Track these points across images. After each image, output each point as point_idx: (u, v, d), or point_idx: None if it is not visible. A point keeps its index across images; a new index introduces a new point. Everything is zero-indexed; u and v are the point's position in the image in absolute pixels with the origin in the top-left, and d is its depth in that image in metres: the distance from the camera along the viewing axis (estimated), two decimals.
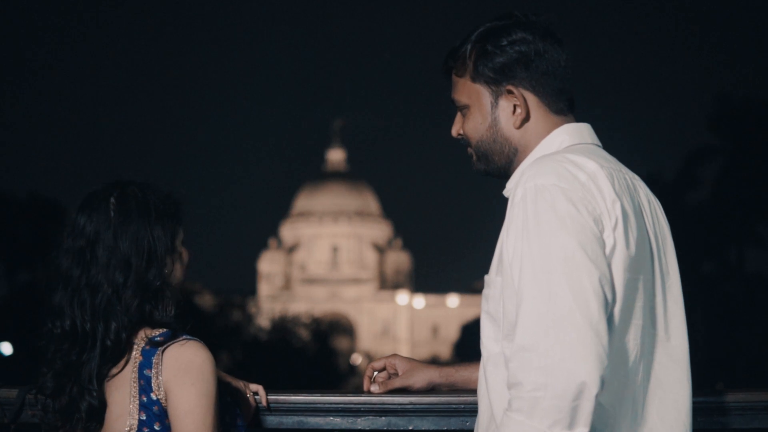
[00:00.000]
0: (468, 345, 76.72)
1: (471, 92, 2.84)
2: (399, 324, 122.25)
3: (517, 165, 2.82)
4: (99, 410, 2.89)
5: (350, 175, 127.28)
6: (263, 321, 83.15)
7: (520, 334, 2.53)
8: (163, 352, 2.87)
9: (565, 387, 2.46)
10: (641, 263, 2.67)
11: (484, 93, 2.82)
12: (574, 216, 2.57)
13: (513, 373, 2.53)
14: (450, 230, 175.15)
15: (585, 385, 2.46)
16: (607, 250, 2.60)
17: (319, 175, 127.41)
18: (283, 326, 79.65)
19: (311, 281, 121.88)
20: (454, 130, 2.91)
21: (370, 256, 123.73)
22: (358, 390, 3.31)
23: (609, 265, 2.59)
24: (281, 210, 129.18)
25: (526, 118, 2.78)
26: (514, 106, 2.78)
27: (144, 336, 2.91)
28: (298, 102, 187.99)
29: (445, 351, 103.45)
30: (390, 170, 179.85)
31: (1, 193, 45.81)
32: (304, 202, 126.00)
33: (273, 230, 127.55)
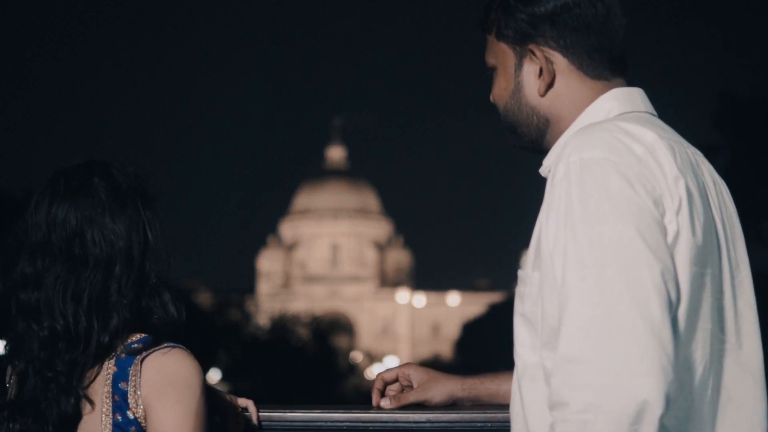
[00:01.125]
0: (469, 344, 76.50)
1: (497, 52, 2.44)
2: (399, 322, 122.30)
3: (554, 138, 2.40)
4: (72, 420, 2.46)
5: (350, 173, 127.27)
6: (262, 320, 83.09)
7: (565, 342, 2.10)
8: (142, 361, 2.45)
9: (623, 408, 2.03)
10: (708, 255, 2.23)
11: (508, 53, 2.42)
12: (629, 196, 2.13)
13: (557, 390, 2.10)
14: (451, 228, 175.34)
15: (647, 405, 2.02)
16: (669, 239, 2.16)
17: (320, 173, 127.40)
18: (283, 325, 79.58)
19: (311, 280, 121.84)
20: (490, 96, 2.49)
21: (371, 255, 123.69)
22: (366, 403, 2.84)
23: (672, 257, 2.15)
24: (281, 208, 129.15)
25: (552, 84, 2.37)
26: (540, 69, 2.37)
27: (122, 343, 2.49)
28: (298, 100, 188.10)
29: (446, 349, 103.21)
30: (390, 168, 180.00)
31: (0, 192, 45.81)
32: (304, 199, 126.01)
33: (273, 228, 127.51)
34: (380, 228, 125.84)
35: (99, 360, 2.47)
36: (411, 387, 2.85)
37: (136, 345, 2.47)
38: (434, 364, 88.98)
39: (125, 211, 2.52)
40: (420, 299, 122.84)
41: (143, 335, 2.49)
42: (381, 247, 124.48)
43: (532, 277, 2.27)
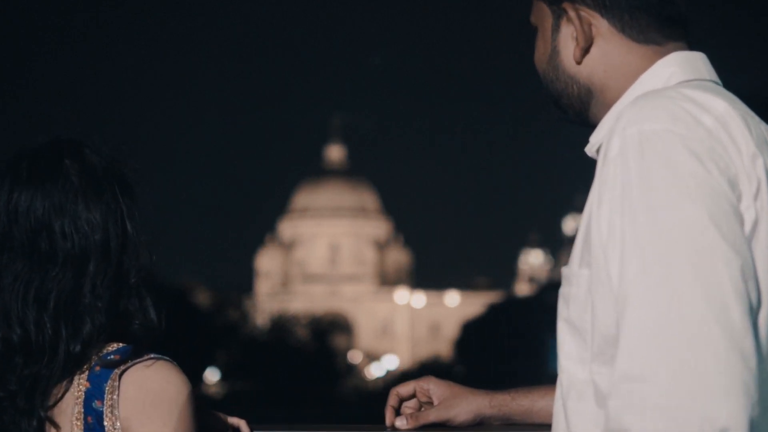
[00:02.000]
0: (470, 343, 76.44)
1: (536, 10, 2.11)
2: (399, 322, 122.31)
3: (600, 111, 2.04)
4: None
5: (349, 172, 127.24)
6: (261, 319, 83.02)
7: (625, 356, 1.73)
8: (120, 376, 2.07)
9: None
10: None
11: (546, 12, 2.08)
12: (699, 175, 1.77)
13: (616, 414, 1.73)
14: (450, 226, 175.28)
15: None
16: (747, 228, 1.80)
17: (319, 172, 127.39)
18: (282, 325, 79.52)
19: (310, 279, 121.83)
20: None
21: (370, 254, 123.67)
22: (378, 422, 2.50)
23: (750, 250, 1.79)
24: (280, 207, 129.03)
25: (589, 49, 2.02)
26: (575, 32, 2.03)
27: (96, 354, 2.10)
28: (297, 98, 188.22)
29: (445, 349, 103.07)
30: (389, 167, 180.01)
31: None
32: (303, 199, 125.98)
33: (271, 227, 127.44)
34: (380, 227, 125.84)
35: (68, 374, 2.07)
36: (431, 404, 2.49)
37: (113, 356, 2.09)
38: (434, 363, 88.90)
39: (102, 197, 2.14)
40: (420, 298, 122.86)
41: (122, 345, 2.11)
42: (380, 247, 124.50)
43: (580, 276, 1.89)
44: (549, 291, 70.24)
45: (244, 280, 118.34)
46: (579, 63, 2.02)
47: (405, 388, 2.50)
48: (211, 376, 74.74)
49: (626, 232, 1.77)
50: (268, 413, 51.48)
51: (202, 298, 72.01)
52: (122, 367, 2.07)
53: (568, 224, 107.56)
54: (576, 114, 2.06)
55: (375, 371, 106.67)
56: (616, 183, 1.80)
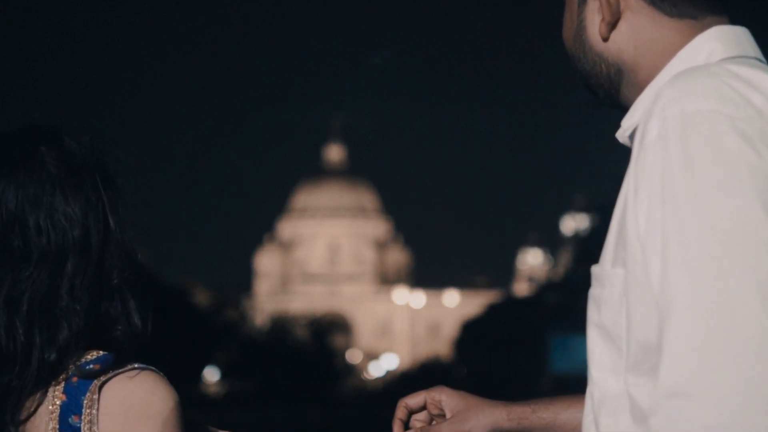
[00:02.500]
0: (469, 343, 76.31)
1: None
2: (398, 322, 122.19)
3: (632, 93, 1.82)
4: None
5: (349, 172, 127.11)
6: (260, 319, 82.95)
7: (670, 368, 1.53)
8: (100, 388, 1.87)
9: None
10: None
11: None
12: (751, 161, 1.57)
13: None
14: (449, 226, 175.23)
15: None
16: None
17: (318, 172, 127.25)
18: (281, 325, 79.45)
19: (309, 279, 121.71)
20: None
21: (369, 254, 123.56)
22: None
23: None
24: (279, 207, 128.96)
25: (616, 24, 1.82)
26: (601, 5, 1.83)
27: (74, 363, 1.88)
28: (296, 98, 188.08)
29: (445, 349, 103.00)
30: (389, 167, 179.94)
31: None
32: (302, 198, 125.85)
33: (271, 227, 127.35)
34: (379, 227, 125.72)
35: (42, 385, 1.86)
36: (443, 416, 2.26)
37: (92, 366, 1.87)
38: (433, 363, 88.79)
39: (81, 189, 1.92)
40: (419, 298, 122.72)
41: (102, 353, 1.90)
42: (380, 246, 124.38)
43: (613, 276, 1.68)
44: (548, 291, 70.18)
45: (244, 280, 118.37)
46: (606, 39, 1.82)
47: (414, 400, 2.25)
48: (211, 375, 74.69)
49: (668, 225, 1.57)
50: (267, 413, 51.39)
51: (202, 297, 71.90)
52: (102, 378, 1.87)
53: (567, 224, 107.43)
54: (606, 95, 1.85)
55: (374, 371, 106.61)
56: (656, 170, 1.60)
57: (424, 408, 2.27)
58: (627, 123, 1.80)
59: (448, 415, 2.23)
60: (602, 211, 61.00)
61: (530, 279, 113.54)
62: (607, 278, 1.70)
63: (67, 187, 1.91)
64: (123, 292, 1.93)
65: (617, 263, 1.68)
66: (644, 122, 1.65)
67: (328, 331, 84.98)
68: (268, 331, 79.05)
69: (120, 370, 1.88)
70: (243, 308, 78.55)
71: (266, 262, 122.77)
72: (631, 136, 1.76)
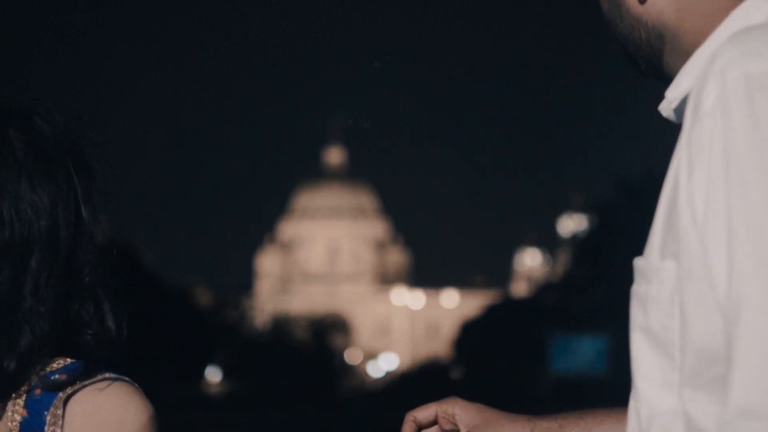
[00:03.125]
0: (469, 344, 76.21)
1: None
2: (398, 322, 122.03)
3: (676, 60, 1.57)
4: None
5: (349, 173, 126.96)
6: (261, 319, 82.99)
7: (744, 383, 1.29)
8: (66, 402, 1.65)
9: None
10: None
11: None
12: None
13: None
14: (449, 226, 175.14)
15: None
16: None
17: (318, 173, 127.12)
18: (281, 325, 79.47)
19: (309, 279, 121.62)
20: None
21: (369, 254, 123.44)
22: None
23: None
24: (280, 208, 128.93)
25: None
26: None
27: (37, 373, 1.66)
28: (296, 99, 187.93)
29: (444, 349, 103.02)
30: (389, 168, 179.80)
31: None
32: (302, 199, 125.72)
33: (271, 228, 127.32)
34: (379, 227, 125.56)
35: (0, 397, 1.65)
36: (457, 431, 2.00)
37: (58, 376, 1.64)
38: (432, 364, 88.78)
39: (52, 176, 1.69)
40: (419, 298, 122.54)
41: (70, 361, 1.67)
42: (379, 247, 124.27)
43: (663, 270, 1.42)
44: (546, 291, 70.06)
45: (244, 281, 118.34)
46: (644, 2, 1.57)
47: (423, 413, 1.97)
48: (213, 376, 74.71)
49: (734, 208, 1.32)
50: (267, 413, 51.35)
51: (203, 298, 71.90)
52: (69, 390, 1.65)
53: (565, 224, 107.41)
54: (647, 64, 1.61)
55: (374, 372, 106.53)
56: (716, 143, 1.35)
57: (434, 422, 1.99)
58: (673, 93, 1.53)
59: (462, 430, 1.98)
60: (600, 211, 60.97)
61: (528, 279, 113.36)
62: (654, 273, 1.43)
63: (35, 173, 1.68)
64: (96, 292, 1.70)
65: (667, 255, 1.42)
66: (698, 89, 1.40)
67: (328, 332, 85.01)
68: (268, 331, 79.08)
69: (89, 381, 1.66)
70: (243, 308, 78.54)
71: (267, 262, 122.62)
72: (678, 109, 1.54)
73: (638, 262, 1.45)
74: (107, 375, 1.67)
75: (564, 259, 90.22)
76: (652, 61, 1.60)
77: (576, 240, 75.64)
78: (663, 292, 1.42)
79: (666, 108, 1.55)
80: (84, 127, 1.76)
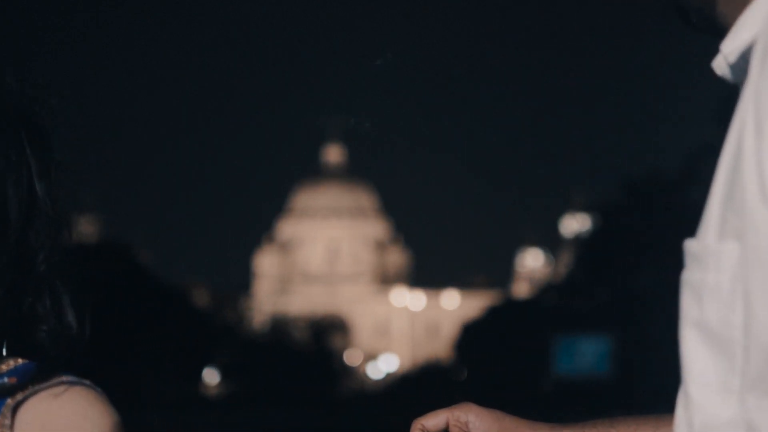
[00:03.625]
0: (470, 345, 76.09)
1: None
2: (398, 323, 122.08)
3: (734, 7, 1.29)
4: None
5: (348, 173, 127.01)
6: (260, 320, 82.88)
7: None
8: (15, 409, 1.45)
9: None
10: None
11: None
12: None
13: None
14: (449, 226, 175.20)
15: None
16: None
17: (317, 173, 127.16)
18: (280, 326, 79.42)
19: (309, 279, 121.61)
20: None
21: (368, 254, 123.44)
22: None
23: None
24: (279, 207, 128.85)
25: None
26: None
27: None
28: (296, 98, 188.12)
29: (445, 350, 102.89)
30: (389, 167, 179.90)
31: None
32: (301, 199, 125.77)
33: (270, 228, 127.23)
34: (379, 227, 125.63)
35: None
36: None
37: (6, 380, 1.46)
38: (433, 365, 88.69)
39: (2, 143, 1.49)
40: (419, 299, 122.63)
41: (22, 361, 1.48)
42: (379, 247, 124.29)
43: (722, 253, 1.18)
44: (548, 292, 69.99)
45: (243, 281, 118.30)
46: None
47: (433, 420, 1.80)
48: (211, 377, 74.63)
49: None
50: (266, 414, 51.22)
51: (201, 298, 71.87)
52: (19, 396, 1.46)
53: (567, 224, 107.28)
54: (699, 16, 1.35)
55: (374, 373, 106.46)
56: None
57: (445, 431, 1.83)
58: (730, 45, 1.27)
59: None
60: (603, 211, 60.75)
61: (530, 280, 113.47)
62: (711, 257, 1.19)
63: None
64: (53, 283, 1.49)
65: (727, 235, 1.18)
66: (766, 35, 1.19)
67: (327, 332, 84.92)
68: (267, 332, 78.96)
69: (43, 385, 1.46)
70: (242, 309, 78.48)
71: (265, 262, 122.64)
72: (736, 66, 1.30)
73: (690, 245, 1.21)
74: (65, 378, 1.47)
75: (566, 259, 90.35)
76: (704, 12, 1.32)
77: (578, 240, 75.70)
78: (722, 280, 1.19)
79: (721, 64, 1.29)
80: (42, 91, 1.55)
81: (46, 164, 1.50)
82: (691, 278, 1.21)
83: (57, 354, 1.47)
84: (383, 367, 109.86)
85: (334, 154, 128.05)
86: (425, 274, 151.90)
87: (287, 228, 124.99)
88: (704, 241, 1.19)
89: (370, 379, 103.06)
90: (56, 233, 1.49)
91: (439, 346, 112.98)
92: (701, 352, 1.20)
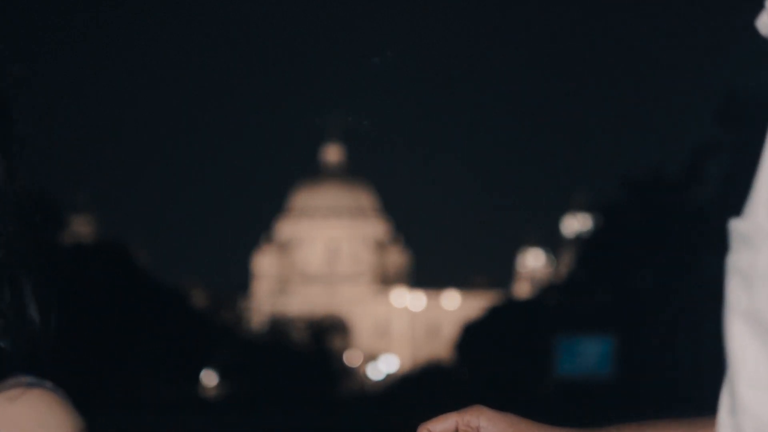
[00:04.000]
0: (471, 346, 75.86)
1: None
2: (398, 323, 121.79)
3: None
4: None
5: (348, 173, 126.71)
6: (259, 320, 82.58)
7: None
8: None
9: None
10: None
11: None
12: None
13: None
14: (450, 226, 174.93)
15: None
16: None
17: (316, 172, 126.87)
18: (279, 326, 79.14)
19: (308, 280, 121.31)
20: None
21: (368, 254, 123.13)
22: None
23: None
24: (278, 207, 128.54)
25: None
26: None
27: None
28: (295, 98, 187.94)
29: (445, 351, 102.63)
30: (388, 167, 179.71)
31: None
32: (301, 199, 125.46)
33: (269, 228, 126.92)
34: (378, 227, 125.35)
35: None
36: None
37: None
38: (434, 366, 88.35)
39: None
40: (419, 299, 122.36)
41: None
42: (379, 247, 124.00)
43: None
44: (549, 292, 69.72)
45: (242, 281, 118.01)
46: None
47: (441, 425, 1.63)
48: (209, 379, 74.35)
49: None
50: (265, 415, 50.95)
51: (200, 299, 71.62)
52: None
53: (568, 224, 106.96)
54: None
55: (374, 374, 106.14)
56: None
57: None
58: None
59: None
60: (604, 210, 60.48)
61: (531, 280, 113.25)
62: (763, 237, 1.03)
63: None
64: (13, 272, 1.31)
65: None
66: None
67: (326, 333, 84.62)
68: (266, 332, 78.66)
69: (2, 385, 1.31)
70: (240, 310, 78.21)
71: (264, 263, 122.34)
72: None
73: (737, 225, 1.06)
74: (23, 379, 1.33)
75: (567, 259, 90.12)
76: None
77: (580, 240, 75.50)
78: None
79: (766, 23, 1.15)
80: (5, 55, 1.40)
81: (7, 138, 1.35)
82: (738, 262, 1.06)
83: (15, 351, 1.33)
84: (383, 367, 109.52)
85: (333, 154, 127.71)
86: (425, 275, 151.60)
87: (286, 228, 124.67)
88: (756, 219, 1.05)
89: (370, 379, 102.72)
90: (17, 216, 1.33)
91: (440, 346, 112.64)
92: (753, 346, 1.04)
